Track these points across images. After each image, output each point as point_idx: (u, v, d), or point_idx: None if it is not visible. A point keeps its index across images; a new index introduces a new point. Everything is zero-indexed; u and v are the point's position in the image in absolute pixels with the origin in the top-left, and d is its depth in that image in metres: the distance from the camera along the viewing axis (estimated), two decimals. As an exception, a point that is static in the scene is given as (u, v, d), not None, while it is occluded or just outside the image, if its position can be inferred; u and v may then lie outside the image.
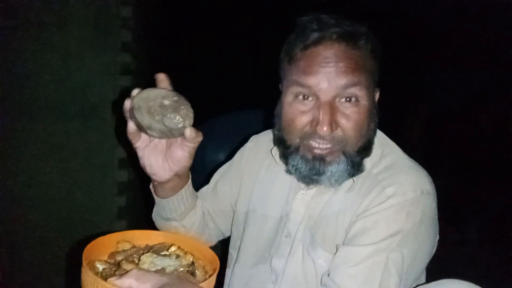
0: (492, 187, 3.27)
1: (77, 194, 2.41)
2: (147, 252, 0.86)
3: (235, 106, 3.41)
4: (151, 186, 1.12)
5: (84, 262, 0.76)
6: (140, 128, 0.90)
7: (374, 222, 0.96)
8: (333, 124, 0.98)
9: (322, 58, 0.98)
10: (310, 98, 1.00)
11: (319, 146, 1.00)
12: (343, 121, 0.99)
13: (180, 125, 0.88)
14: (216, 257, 0.84)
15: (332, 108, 0.98)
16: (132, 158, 2.46)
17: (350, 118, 0.99)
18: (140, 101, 0.87)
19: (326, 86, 0.97)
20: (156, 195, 1.12)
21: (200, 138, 0.92)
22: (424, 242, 0.99)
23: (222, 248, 1.44)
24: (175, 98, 0.89)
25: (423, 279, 1.08)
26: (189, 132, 0.89)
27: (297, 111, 1.02)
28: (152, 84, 0.95)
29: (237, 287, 1.21)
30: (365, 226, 0.97)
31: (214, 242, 1.38)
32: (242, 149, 1.33)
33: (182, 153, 0.96)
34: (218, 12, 5.05)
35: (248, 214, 1.22)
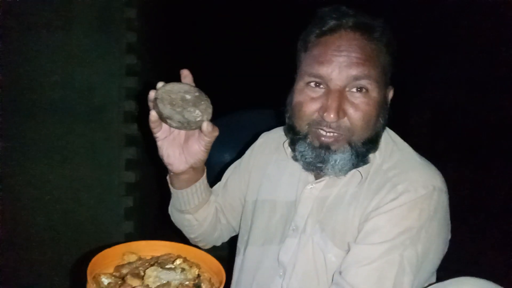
0: (497, 185, 3.25)
1: (84, 195, 2.42)
2: (152, 265, 0.85)
3: (239, 106, 3.42)
4: (168, 177, 1.16)
5: (88, 278, 0.76)
6: (161, 117, 0.94)
7: (386, 219, 0.95)
8: (341, 112, 0.98)
9: (336, 46, 0.99)
10: (321, 86, 1.01)
11: (326, 134, 1.01)
12: (351, 110, 0.99)
13: (198, 119, 0.95)
14: (222, 269, 0.83)
15: (341, 96, 0.99)
16: (140, 159, 2.48)
17: (359, 108, 1.00)
18: (164, 93, 0.94)
19: (336, 75, 0.98)
20: (172, 186, 1.16)
21: (216, 133, 0.98)
22: (436, 238, 0.98)
23: (230, 249, 1.43)
24: (197, 94, 0.96)
25: (433, 280, 1.06)
26: (206, 126, 0.95)
27: (307, 97, 1.03)
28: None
29: (244, 280, 1.21)
30: (378, 224, 0.96)
31: (226, 238, 1.40)
32: (252, 145, 1.35)
33: (198, 147, 1.02)
34: (223, 13, 5.06)
35: (257, 203, 1.23)
